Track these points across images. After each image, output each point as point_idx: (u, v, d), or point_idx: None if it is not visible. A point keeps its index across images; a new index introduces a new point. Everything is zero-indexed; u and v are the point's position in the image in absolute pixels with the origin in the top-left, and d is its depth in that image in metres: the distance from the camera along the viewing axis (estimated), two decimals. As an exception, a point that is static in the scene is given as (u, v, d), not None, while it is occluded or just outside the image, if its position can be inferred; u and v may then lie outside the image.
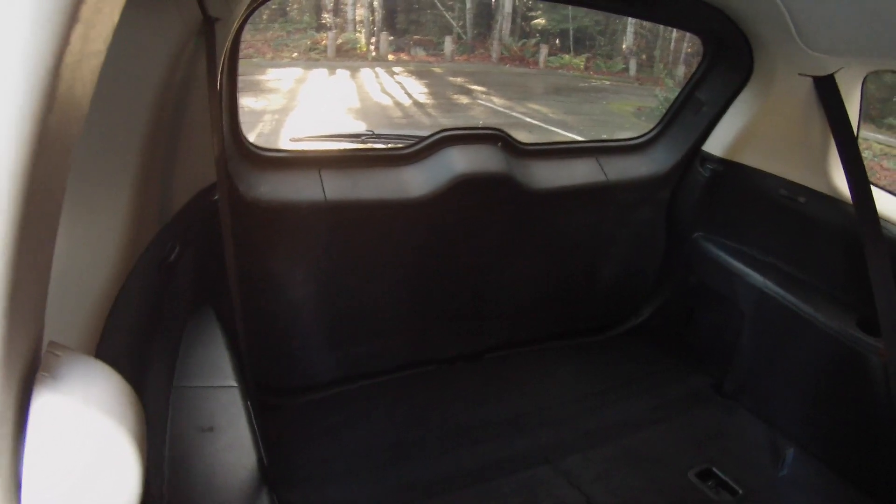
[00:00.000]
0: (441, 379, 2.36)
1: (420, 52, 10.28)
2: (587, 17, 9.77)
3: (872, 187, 2.04)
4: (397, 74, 10.26)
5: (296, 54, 11.36)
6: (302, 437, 1.96)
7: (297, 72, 10.95)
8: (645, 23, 9.02)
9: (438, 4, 10.22)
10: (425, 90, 9.79)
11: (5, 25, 0.38)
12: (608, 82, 9.77)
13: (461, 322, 2.43)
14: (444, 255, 2.27)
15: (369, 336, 2.26)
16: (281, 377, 2.07)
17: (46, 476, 0.46)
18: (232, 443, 1.18)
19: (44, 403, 0.46)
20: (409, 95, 9.76)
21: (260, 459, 1.16)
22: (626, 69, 9.83)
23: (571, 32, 10.04)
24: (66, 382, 0.50)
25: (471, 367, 2.45)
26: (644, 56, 10.04)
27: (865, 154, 9.10)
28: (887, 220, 2.04)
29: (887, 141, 9.98)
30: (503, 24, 9.99)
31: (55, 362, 0.51)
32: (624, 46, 10.08)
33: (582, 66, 9.86)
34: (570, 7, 9.81)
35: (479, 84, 9.71)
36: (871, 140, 9.72)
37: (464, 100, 9.48)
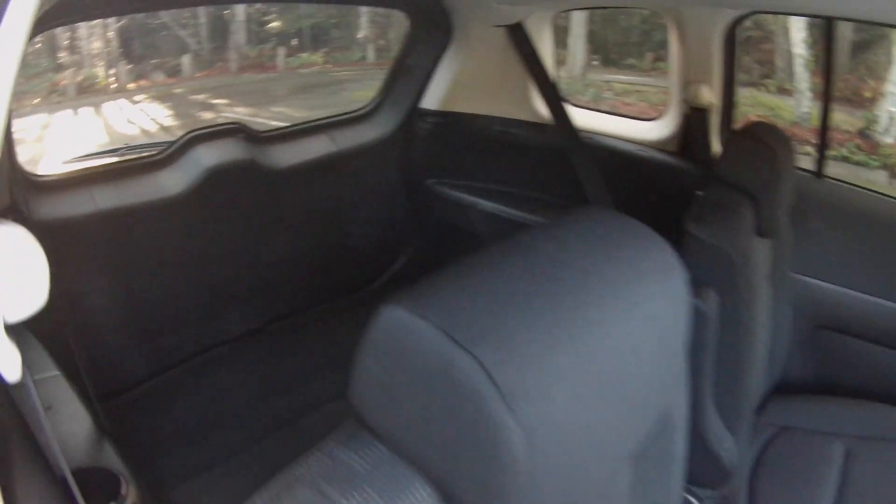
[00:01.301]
0: (235, 355, 2.70)
1: (160, 76, 10.12)
2: (320, 13, 10.06)
3: (567, 106, 2.51)
4: (140, 102, 10.01)
5: (37, 100, 10.77)
6: (127, 428, 2.20)
7: (40, 118, 10.38)
8: (378, 9, 9.38)
9: (171, 24, 10.09)
10: (169, 112, 9.65)
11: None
12: (349, 73, 10.17)
13: (241, 301, 2.72)
14: (213, 243, 2.54)
15: (166, 330, 2.53)
16: (97, 382, 2.27)
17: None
18: (72, 413, 1.36)
19: None
20: (155, 121, 9.59)
21: (97, 420, 1.38)
22: (365, 57, 10.32)
23: (307, 30, 10.29)
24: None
25: (259, 340, 2.77)
26: (382, 41, 10.52)
27: (607, 94, 10.03)
28: (583, 131, 2.51)
29: (628, 80, 10.87)
30: (238, 34, 10.04)
31: None
32: (359, 35, 10.50)
33: (321, 62, 10.22)
34: (300, 6, 9.97)
35: (221, 97, 9.72)
36: (613, 81, 10.62)
37: (208, 115, 9.45)
